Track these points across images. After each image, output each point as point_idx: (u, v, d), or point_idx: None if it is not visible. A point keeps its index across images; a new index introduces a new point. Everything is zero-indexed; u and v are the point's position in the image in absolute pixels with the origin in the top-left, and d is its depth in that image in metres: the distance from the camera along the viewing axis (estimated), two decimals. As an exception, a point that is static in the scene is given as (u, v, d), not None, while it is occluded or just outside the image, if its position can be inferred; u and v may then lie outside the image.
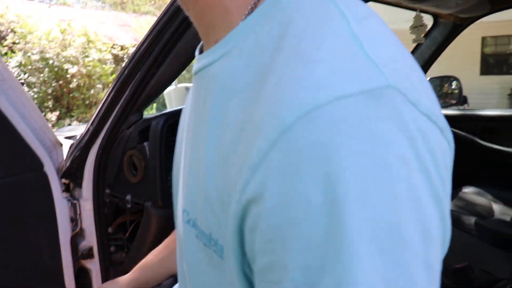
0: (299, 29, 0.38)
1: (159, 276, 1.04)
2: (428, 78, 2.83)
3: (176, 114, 1.37)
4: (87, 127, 1.45)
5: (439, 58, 2.58)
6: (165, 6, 1.18)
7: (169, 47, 1.19)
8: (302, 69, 0.34)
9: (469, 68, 10.18)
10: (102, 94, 9.32)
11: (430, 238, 0.33)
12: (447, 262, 1.34)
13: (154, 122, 1.36)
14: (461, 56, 10.23)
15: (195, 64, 0.51)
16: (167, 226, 1.26)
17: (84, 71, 9.12)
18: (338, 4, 0.39)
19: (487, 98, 9.45)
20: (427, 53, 2.54)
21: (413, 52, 2.60)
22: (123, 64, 1.32)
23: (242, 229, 0.37)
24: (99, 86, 9.53)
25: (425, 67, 2.65)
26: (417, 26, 1.81)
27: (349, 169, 0.31)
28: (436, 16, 2.35)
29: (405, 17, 2.30)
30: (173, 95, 9.01)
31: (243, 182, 0.35)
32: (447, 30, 2.40)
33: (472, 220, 1.95)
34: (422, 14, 2.27)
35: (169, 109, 2.29)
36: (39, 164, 1.40)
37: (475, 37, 10.12)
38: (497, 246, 1.79)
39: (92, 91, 9.36)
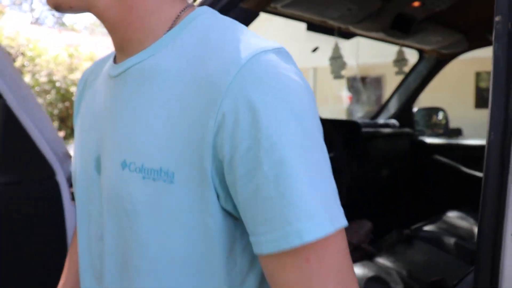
0: (220, 30, 0.59)
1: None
2: (416, 109, 3.01)
3: None
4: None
5: (436, 92, 2.75)
6: None
7: None
8: (237, 41, 0.56)
9: (464, 102, 10.44)
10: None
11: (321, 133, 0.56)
12: (425, 277, 1.49)
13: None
14: (457, 90, 10.49)
15: (117, 68, 0.67)
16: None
17: (89, 94, 9.33)
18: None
19: (481, 129, 9.63)
20: (413, 85, 2.72)
21: (400, 84, 2.78)
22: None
23: (216, 143, 0.54)
24: (103, 109, 9.71)
25: (412, 98, 2.82)
26: (399, 60, 1.96)
27: (280, 99, 0.52)
28: (420, 52, 2.53)
29: (393, 52, 2.48)
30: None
31: (215, 108, 0.53)
32: (431, 64, 2.58)
33: (453, 241, 2.07)
34: (407, 49, 2.45)
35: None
36: (51, 173, 1.55)
37: (469, 72, 10.43)
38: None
39: (96, 114, 9.53)
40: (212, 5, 1.13)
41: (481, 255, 0.62)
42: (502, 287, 0.60)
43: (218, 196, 0.57)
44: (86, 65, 9.59)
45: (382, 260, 1.72)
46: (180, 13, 0.64)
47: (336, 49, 1.80)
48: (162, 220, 0.60)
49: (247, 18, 1.20)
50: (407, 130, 2.78)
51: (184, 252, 0.61)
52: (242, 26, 0.60)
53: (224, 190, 0.56)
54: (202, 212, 0.58)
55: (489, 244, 0.61)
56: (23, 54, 9.36)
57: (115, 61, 0.70)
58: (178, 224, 0.59)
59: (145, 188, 0.60)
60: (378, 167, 2.36)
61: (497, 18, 0.63)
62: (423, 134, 2.97)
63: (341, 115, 9.72)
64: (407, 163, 2.67)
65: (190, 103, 0.56)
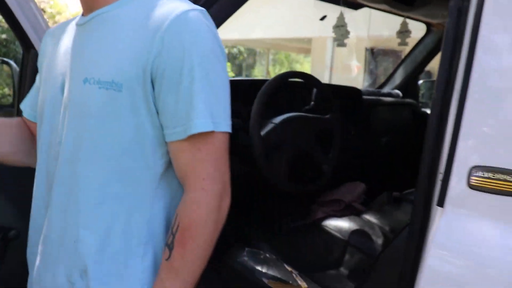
0: None
1: None
2: (421, 81, 3.08)
3: None
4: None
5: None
6: None
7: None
8: (171, 1, 0.84)
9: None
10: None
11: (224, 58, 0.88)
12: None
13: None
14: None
15: (85, 18, 0.92)
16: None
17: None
18: None
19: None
20: (419, 57, 2.79)
21: (407, 56, 2.85)
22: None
23: (153, 66, 0.82)
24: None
25: (418, 70, 2.90)
26: (402, 31, 2.04)
27: (198, 40, 0.81)
28: (428, 25, 2.59)
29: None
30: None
31: (156, 42, 0.81)
32: (438, 38, 2.64)
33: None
34: (416, 23, 2.51)
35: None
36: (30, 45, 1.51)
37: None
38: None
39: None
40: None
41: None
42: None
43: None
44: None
45: (368, 217, 1.86)
46: None
47: (341, 17, 1.89)
48: (110, 119, 0.85)
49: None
50: (409, 100, 2.87)
51: (124, 141, 0.85)
52: None
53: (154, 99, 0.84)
54: (141, 113, 0.84)
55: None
56: (43, 10, 9.42)
57: (83, 15, 0.95)
58: (123, 121, 0.84)
59: (100, 96, 0.84)
60: (377, 134, 2.47)
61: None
62: (427, 106, 3.05)
63: (350, 83, 9.67)
64: (407, 133, 2.77)
65: (138, 38, 0.83)
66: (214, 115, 0.83)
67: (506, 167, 0.61)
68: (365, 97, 2.34)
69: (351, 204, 2.10)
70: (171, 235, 0.86)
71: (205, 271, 0.84)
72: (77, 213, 0.88)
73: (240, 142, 1.70)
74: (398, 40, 2.35)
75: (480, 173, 0.63)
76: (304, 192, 1.81)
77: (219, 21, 1.39)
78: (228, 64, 14.79)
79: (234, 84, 1.93)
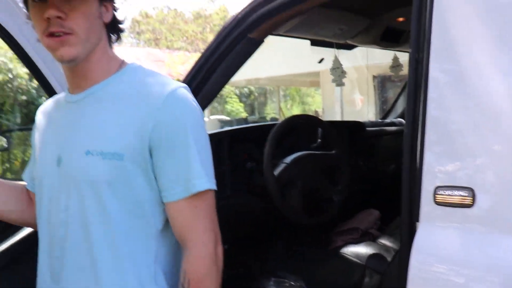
0: (150, 74, 1.01)
1: None
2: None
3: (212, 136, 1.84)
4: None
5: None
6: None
7: (216, 65, 1.53)
8: (156, 80, 0.99)
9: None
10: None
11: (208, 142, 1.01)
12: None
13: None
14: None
15: (77, 96, 1.02)
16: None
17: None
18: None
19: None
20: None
21: (405, 85, 3.02)
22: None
23: (151, 137, 0.93)
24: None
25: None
26: (394, 66, 2.22)
27: (189, 113, 0.97)
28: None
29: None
30: (206, 126, 9.57)
31: (152, 117, 0.93)
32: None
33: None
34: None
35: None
36: None
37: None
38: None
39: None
40: (225, 38, 1.44)
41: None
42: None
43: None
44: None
45: (384, 241, 1.99)
46: (120, 65, 1.05)
47: (336, 60, 2.08)
48: (115, 185, 0.95)
49: (254, 46, 1.51)
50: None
51: (128, 203, 0.96)
52: (159, 73, 1.04)
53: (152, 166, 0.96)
54: (141, 178, 0.96)
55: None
56: None
57: (71, 93, 1.05)
58: (126, 187, 0.95)
59: (104, 165, 0.94)
60: (384, 162, 2.61)
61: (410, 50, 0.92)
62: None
63: (358, 116, 9.84)
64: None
65: (135, 113, 0.95)
66: (209, 174, 0.96)
67: (460, 185, 0.77)
68: (368, 128, 2.51)
69: (367, 231, 2.23)
70: None
71: None
72: (95, 270, 0.97)
73: (256, 183, 1.87)
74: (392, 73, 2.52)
75: (442, 192, 0.79)
76: (318, 223, 1.96)
77: (228, 73, 1.58)
78: (241, 104, 15.08)
79: (245, 131, 2.13)
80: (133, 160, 0.94)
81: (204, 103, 1.58)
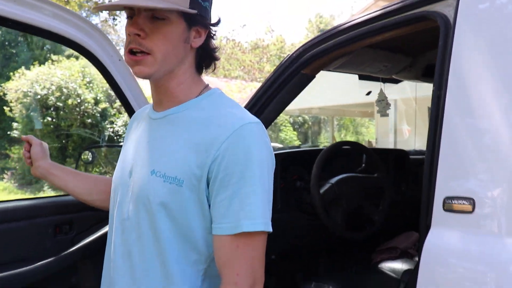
0: (227, 103, 1.01)
1: (71, 184, 1.30)
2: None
3: None
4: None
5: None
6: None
7: (273, 96, 1.74)
8: (231, 111, 0.97)
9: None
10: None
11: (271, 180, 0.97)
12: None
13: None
14: None
15: (158, 114, 1.03)
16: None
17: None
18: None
19: None
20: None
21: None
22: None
23: (211, 168, 0.91)
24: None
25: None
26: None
27: (255, 150, 0.93)
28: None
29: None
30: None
31: (216, 148, 0.91)
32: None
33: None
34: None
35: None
36: None
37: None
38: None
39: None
40: (281, 73, 1.70)
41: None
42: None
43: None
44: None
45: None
46: (203, 89, 1.06)
47: (381, 93, 2.29)
48: (169, 207, 0.96)
49: (306, 81, 1.76)
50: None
51: (181, 227, 0.96)
52: (238, 104, 1.04)
53: (208, 195, 0.96)
54: (195, 205, 0.96)
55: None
56: None
57: (154, 109, 1.08)
58: (180, 210, 0.96)
59: (164, 188, 0.95)
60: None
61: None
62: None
63: (406, 146, 9.74)
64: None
65: (201, 140, 0.95)
66: (265, 216, 0.92)
67: (462, 195, 0.98)
68: (412, 157, 2.68)
69: (406, 251, 2.38)
70: None
71: None
72: (146, 283, 0.99)
73: (304, 200, 2.10)
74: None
75: (449, 201, 1.00)
76: (359, 239, 2.14)
77: (282, 106, 1.82)
78: (294, 133, 15.30)
79: (296, 154, 2.37)
80: (191, 187, 0.94)
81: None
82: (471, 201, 0.96)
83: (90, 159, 2.14)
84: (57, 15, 1.43)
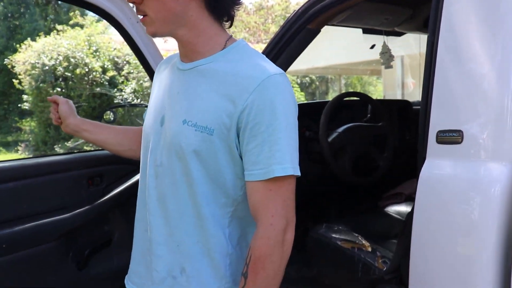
0: (252, 55, 1.04)
1: (102, 136, 1.37)
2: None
3: None
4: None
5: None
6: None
7: (280, 53, 1.82)
8: (257, 63, 1.01)
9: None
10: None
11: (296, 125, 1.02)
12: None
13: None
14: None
15: (186, 65, 1.06)
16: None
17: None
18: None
19: None
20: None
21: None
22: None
23: (240, 117, 0.96)
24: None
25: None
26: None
27: (280, 100, 0.97)
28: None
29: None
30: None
31: (244, 98, 0.95)
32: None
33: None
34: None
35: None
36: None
37: None
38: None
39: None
40: (288, 30, 1.80)
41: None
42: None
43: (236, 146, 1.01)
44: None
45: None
46: (227, 40, 1.07)
47: (384, 45, 2.38)
48: (202, 154, 1.01)
49: (312, 35, 1.86)
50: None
51: (213, 172, 1.02)
52: (262, 55, 1.08)
53: (237, 144, 1.01)
54: (226, 152, 1.01)
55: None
56: (128, 62, 10.32)
57: (181, 60, 1.11)
58: (212, 157, 1.01)
59: (195, 136, 1.00)
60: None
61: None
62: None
63: (411, 98, 9.77)
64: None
65: (229, 91, 0.99)
66: (294, 161, 0.97)
67: (452, 128, 1.11)
68: (416, 107, 2.79)
69: (411, 196, 2.53)
70: (245, 265, 1.00)
71: (294, 246, 1.02)
72: (180, 224, 1.05)
73: (313, 150, 2.24)
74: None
75: (441, 134, 1.13)
76: (365, 183, 2.29)
77: (289, 61, 1.93)
78: (302, 93, 15.32)
79: (304, 107, 2.48)
80: (221, 136, 0.99)
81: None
82: (460, 133, 1.09)
83: (112, 118, 2.25)
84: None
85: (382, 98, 12.40)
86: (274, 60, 1.86)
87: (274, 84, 0.97)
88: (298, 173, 0.98)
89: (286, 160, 0.96)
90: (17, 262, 1.52)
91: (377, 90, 17.85)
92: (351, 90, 16.36)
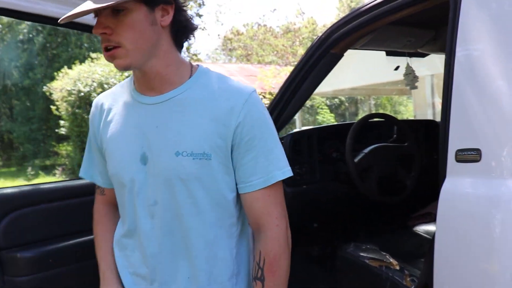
0: (223, 77, 1.08)
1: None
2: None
3: (298, 133, 2.28)
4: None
5: None
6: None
7: (305, 77, 1.89)
8: (230, 84, 1.06)
9: None
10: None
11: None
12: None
13: (283, 140, 2.27)
14: None
15: (154, 99, 1.04)
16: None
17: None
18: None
19: None
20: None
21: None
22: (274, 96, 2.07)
23: (234, 135, 1.00)
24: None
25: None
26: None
27: (265, 113, 1.07)
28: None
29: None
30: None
31: (235, 117, 1.00)
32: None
33: None
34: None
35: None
36: None
37: None
38: None
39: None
40: (311, 55, 1.87)
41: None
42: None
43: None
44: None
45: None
46: (192, 68, 1.09)
47: (408, 67, 2.42)
48: (204, 180, 1.03)
49: (335, 60, 1.93)
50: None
51: (215, 196, 1.05)
52: (228, 76, 1.11)
53: (231, 159, 1.06)
54: (224, 172, 1.05)
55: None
56: None
57: (144, 93, 1.08)
58: (215, 181, 1.04)
59: (194, 164, 1.02)
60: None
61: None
62: None
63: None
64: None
65: (216, 114, 1.02)
66: (287, 164, 1.07)
67: (470, 147, 1.15)
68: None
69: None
70: (258, 269, 1.04)
71: (323, 265, 1.15)
72: (189, 256, 1.07)
73: (340, 170, 2.28)
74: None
75: (460, 153, 1.17)
76: (392, 203, 2.31)
77: (315, 85, 1.98)
78: (332, 114, 15.31)
79: (331, 128, 2.53)
80: (218, 159, 1.03)
81: (295, 108, 2.03)
82: (478, 152, 1.13)
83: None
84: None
85: (413, 117, 12.30)
86: (299, 84, 1.93)
87: (256, 100, 1.06)
88: (292, 174, 1.07)
89: (283, 165, 1.06)
90: (63, 276, 1.61)
91: (408, 110, 17.67)
92: (381, 111, 16.26)
